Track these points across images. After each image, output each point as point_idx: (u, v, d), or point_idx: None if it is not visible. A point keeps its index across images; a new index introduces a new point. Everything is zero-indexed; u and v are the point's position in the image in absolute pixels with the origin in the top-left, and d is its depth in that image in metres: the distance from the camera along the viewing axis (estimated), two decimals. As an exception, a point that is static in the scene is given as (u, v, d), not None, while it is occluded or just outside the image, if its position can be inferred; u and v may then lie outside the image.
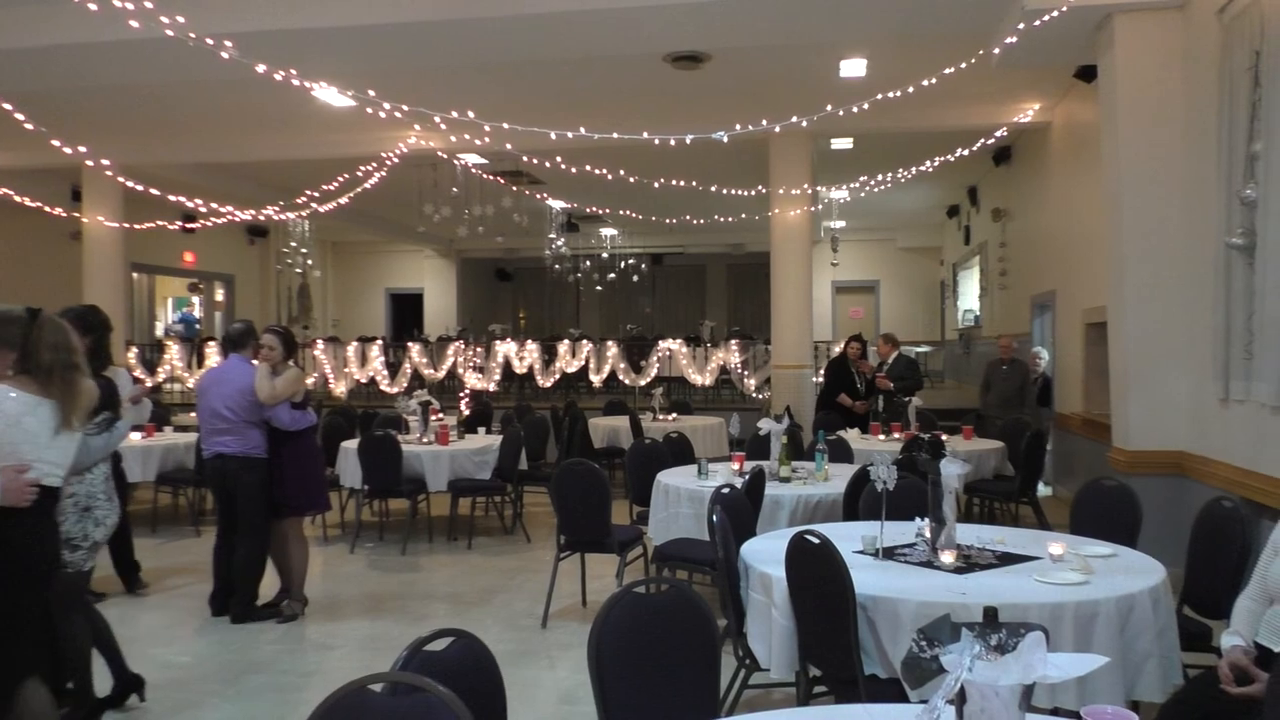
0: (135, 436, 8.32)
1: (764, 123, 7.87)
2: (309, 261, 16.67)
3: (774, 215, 11.28)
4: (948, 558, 3.67)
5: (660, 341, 13.27)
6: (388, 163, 10.95)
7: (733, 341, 13.26)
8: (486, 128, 6.81)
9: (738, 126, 7.96)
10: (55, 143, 8.61)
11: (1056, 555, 3.73)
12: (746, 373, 12.81)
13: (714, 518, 4.10)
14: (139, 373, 12.74)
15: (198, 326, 18.78)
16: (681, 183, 10.50)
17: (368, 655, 5.46)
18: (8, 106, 7.41)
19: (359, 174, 11.25)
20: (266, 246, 19.15)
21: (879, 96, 7.76)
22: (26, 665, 3.44)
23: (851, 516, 5.11)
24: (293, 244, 16.05)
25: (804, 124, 7.79)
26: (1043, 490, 9.36)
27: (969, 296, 16.93)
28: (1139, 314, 6.48)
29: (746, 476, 5.51)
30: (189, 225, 14.08)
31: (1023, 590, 3.38)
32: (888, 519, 3.97)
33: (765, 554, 3.91)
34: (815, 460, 6.24)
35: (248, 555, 6.04)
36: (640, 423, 10.54)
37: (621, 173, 10.12)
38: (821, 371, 11.37)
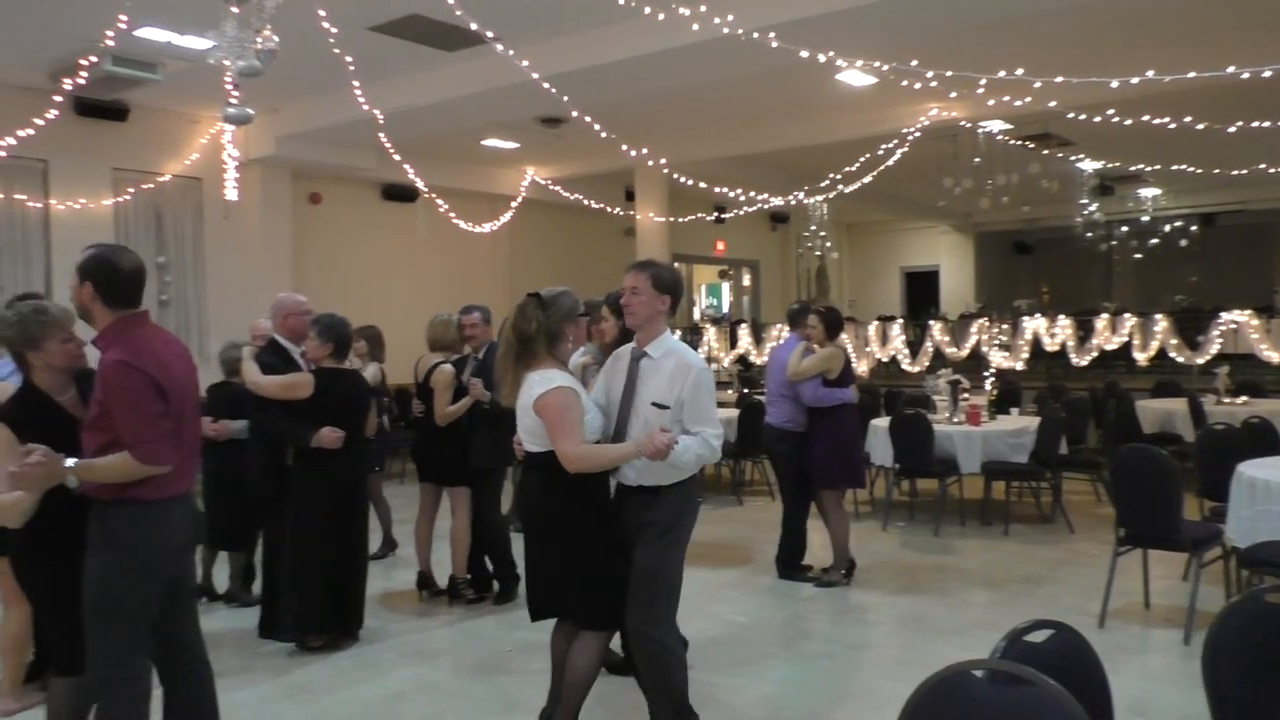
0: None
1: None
2: (828, 244, 17.09)
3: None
4: None
5: (1221, 313, 11.53)
6: (909, 138, 10.79)
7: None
8: (1037, 84, 6.35)
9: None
10: (625, 147, 9.72)
11: None
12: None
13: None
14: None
15: (726, 310, 20.24)
16: (1267, 124, 8.82)
17: (910, 634, 5.42)
18: (588, 119, 8.53)
19: (879, 153, 11.23)
20: (787, 232, 20.01)
21: None
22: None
23: None
24: (812, 228, 16.54)
25: None
26: None
27: None
28: None
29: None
30: (721, 216, 15.18)
31: None
32: None
33: None
34: None
35: (784, 520, 6.46)
36: (1202, 406, 9.26)
37: (1189, 119, 8.77)
38: None
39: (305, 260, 12.01)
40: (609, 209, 13.90)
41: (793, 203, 13.28)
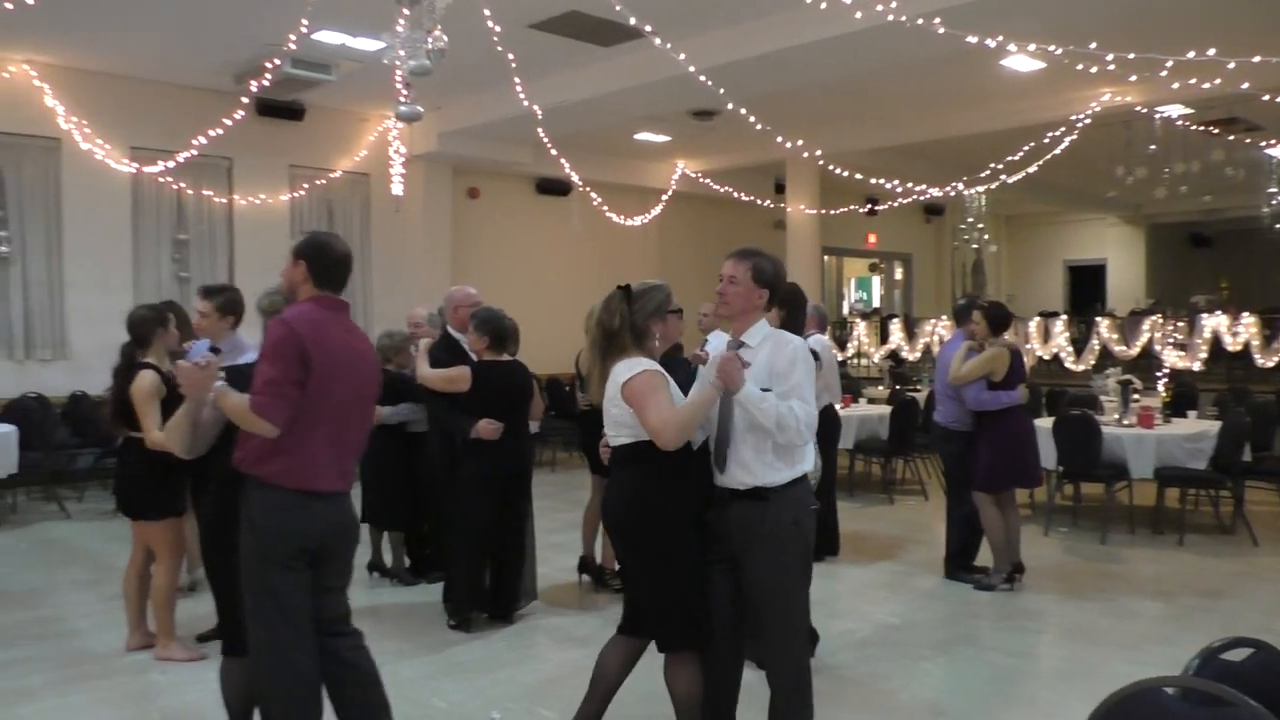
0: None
1: None
2: (985, 237, 16.48)
3: None
4: None
5: None
6: (1078, 125, 10.27)
7: None
8: (1230, 64, 5.91)
9: None
10: (780, 139, 9.63)
11: None
12: None
13: None
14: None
15: (876, 304, 19.80)
16: None
17: (1075, 644, 5.18)
18: (743, 111, 8.49)
19: (1045, 141, 10.74)
20: (942, 224, 19.41)
21: None
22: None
23: None
24: (969, 220, 15.98)
25: None
26: None
27: None
28: None
29: None
30: (874, 208, 14.86)
31: None
32: None
33: None
34: None
35: (950, 519, 6.37)
36: None
37: None
38: None
39: (463, 253, 12.41)
40: (759, 201, 13.80)
41: (951, 194, 12.84)
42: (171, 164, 9.47)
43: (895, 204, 13.58)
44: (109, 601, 5.81)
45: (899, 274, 19.90)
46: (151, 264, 10.13)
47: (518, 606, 5.46)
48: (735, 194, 13.58)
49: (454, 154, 11.65)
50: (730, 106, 8.56)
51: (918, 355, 14.04)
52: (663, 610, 3.28)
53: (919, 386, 11.65)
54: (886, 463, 9.48)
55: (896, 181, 12.04)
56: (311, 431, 3.12)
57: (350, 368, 3.23)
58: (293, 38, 6.90)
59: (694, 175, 14.23)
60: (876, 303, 20.40)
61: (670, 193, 14.30)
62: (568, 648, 5.06)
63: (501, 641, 5.14)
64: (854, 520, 8.08)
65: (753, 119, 8.62)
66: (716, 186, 13.74)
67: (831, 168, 11.29)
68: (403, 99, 5.85)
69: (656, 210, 14.08)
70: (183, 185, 10.08)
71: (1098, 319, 12.72)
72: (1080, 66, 6.81)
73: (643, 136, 12.51)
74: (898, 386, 11.95)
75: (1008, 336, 6.12)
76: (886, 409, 9.40)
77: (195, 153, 9.12)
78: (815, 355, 5.03)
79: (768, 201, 13.96)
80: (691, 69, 7.66)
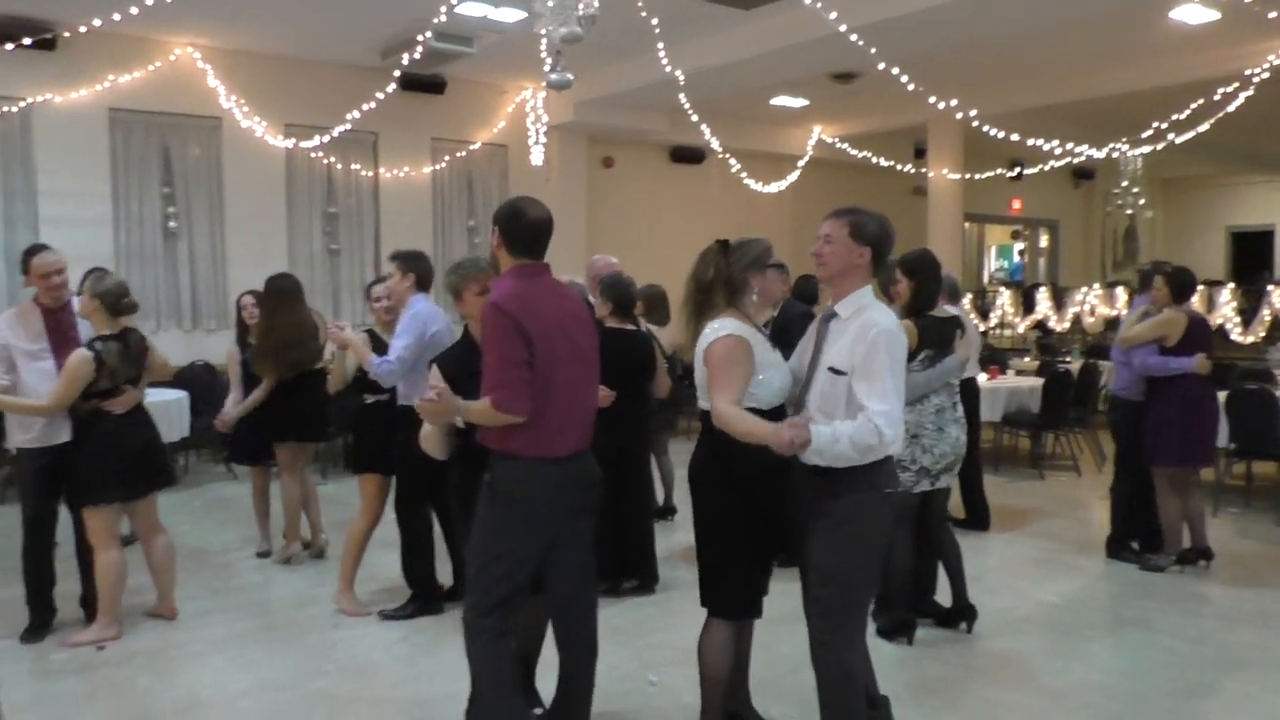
0: (981, 378, 8.63)
1: None
2: (1140, 202, 15.59)
3: None
4: None
5: None
6: (1254, 80, 9.56)
7: None
8: None
9: None
10: (932, 100, 9.29)
11: None
12: None
13: None
14: (974, 317, 13.33)
15: (1018, 276, 19.03)
16: None
17: (1254, 631, 4.87)
18: (895, 71, 8.21)
19: (1216, 98, 10.04)
20: (1092, 189, 18.47)
21: None
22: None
23: None
24: (1124, 184, 15.13)
25: None
26: None
27: None
28: None
29: None
30: (1022, 172, 14.24)
31: None
32: None
33: None
34: None
35: (1115, 495, 6.12)
36: None
37: None
38: None
39: (598, 222, 12.47)
40: (898, 167, 13.41)
41: (1115, 155, 12.16)
42: (327, 139, 9.80)
43: (1047, 167, 12.97)
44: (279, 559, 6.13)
45: (1044, 241, 19.07)
46: (304, 236, 10.55)
47: (655, 576, 5.42)
48: (874, 159, 13.21)
49: (590, 123, 11.69)
50: (881, 66, 8.25)
51: (1066, 325, 13.44)
52: (708, 572, 3.28)
53: (1068, 359, 11.15)
54: (1037, 437, 9.11)
55: (1056, 141, 11.39)
56: (549, 402, 3.10)
57: (563, 329, 3.18)
58: (444, 11, 7.00)
59: (830, 141, 13.91)
60: (1018, 271, 19.60)
61: (806, 159, 14.02)
62: (717, 616, 5.05)
63: (651, 607, 5.18)
64: (1002, 495, 7.80)
65: (906, 79, 8.31)
66: (854, 151, 13.39)
67: (987, 129, 10.72)
68: (553, 67, 5.88)
69: (793, 176, 13.83)
70: (332, 160, 10.43)
71: (1269, 287, 11.89)
72: (1274, 14, 6.28)
73: (779, 101, 12.29)
74: (1045, 358, 11.48)
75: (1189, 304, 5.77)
76: (1036, 381, 9.03)
77: (350, 127, 9.42)
78: (960, 326, 4.87)
79: (908, 166, 13.53)
80: (843, 28, 7.42)
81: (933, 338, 4.53)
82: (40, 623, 4.82)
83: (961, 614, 4.78)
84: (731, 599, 3.28)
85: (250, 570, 5.94)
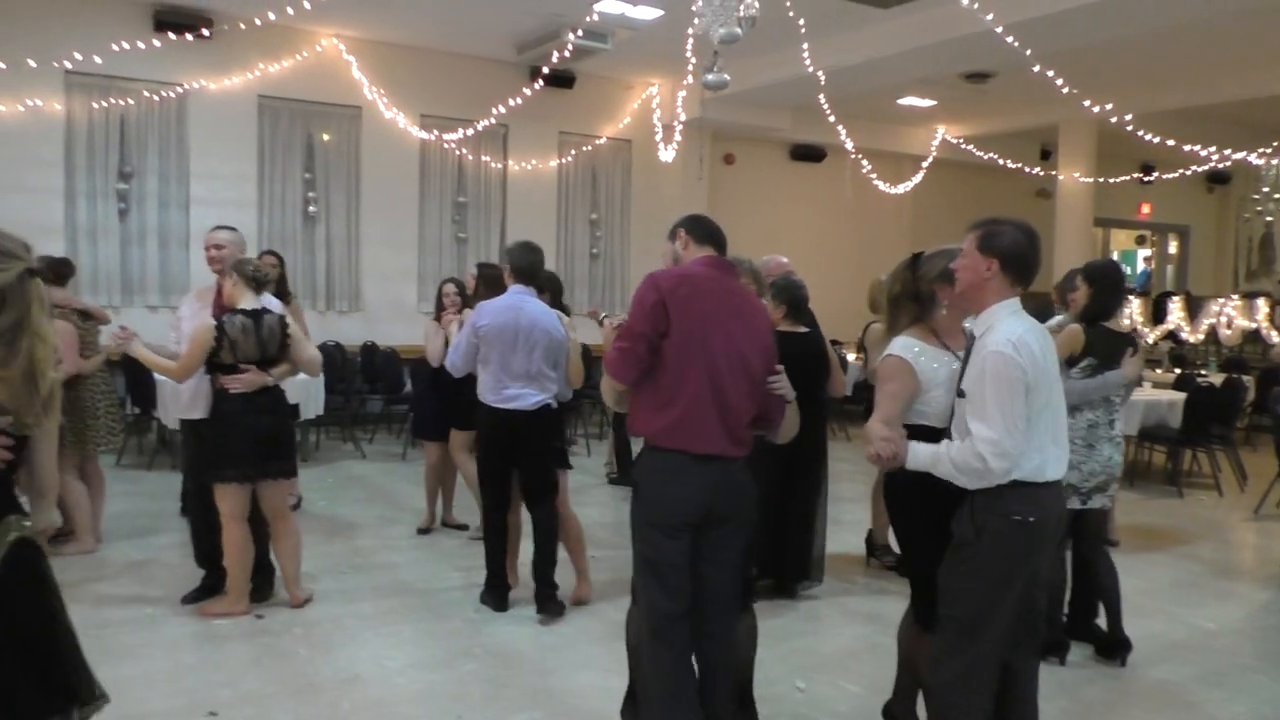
0: (1118, 390, 8.39)
1: None
2: (1281, 209, 14.91)
3: None
4: None
5: None
6: None
7: None
8: None
9: None
10: (1087, 103, 9.02)
11: None
12: None
13: None
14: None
15: (1142, 283, 18.35)
16: None
17: None
18: (1050, 73, 8.00)
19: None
20: (1227, 194, 17.70)
21: None
22: None
23: None
24: (1265, 189, 14.49)
25: None
26: None
27: None
28: None
29: None
30: (1155, 176, 13.73)
31: None
32: None
33: None
34: None
35: None
36: None
37: None
38: None
39: (718, 219, 12.37)
40: (1025, 169, 13.06)
41: (1268, 156, 11.59)
42: (470, 132, 10.03)
43: (1187, 172, 12.47)
44: (414, 538, 6.31)
45: (1172, 247, 18.34)
46: (434, 224, 10.81)
47: (805, 584, 5.39)
48: (999, 160, 12.90)
49: (714, 120, 11.67)
50: (1037, 68, 8.02)
51: (1200, 337, 12.90)
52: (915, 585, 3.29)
53: (1204, 371, 10.71)
54: (1176, 453, 8.78)
55: (1211, 148, 10.89)
56: (683, 386, 3.03)
57: (725, 326, 3.10)
58: (593, 8, 7.08)
59: (955, 141, 13.63)
60: (1144, 279, 18.89)
61: (930, 159, 13.77)
62: (859, 622, 5.02)
63: (793, 611, 5.16)
64: (1138, 513, 7.56)
65: (1061, 82, 8.07)
66: (979, 153, 13.10)
67: (1138, 131, 10.27)
68: (710, 67, 5.90)
69: (918, 178, 13.59)
70: (464, 151, 10.66)
71: None
72: None
73: (907, 101, 12.10)
74: (1178, 370, 11.05)
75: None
76: (1175, 395, 8.71)
77: (492, 121, 9.62)
78: (1133, 344, 4.71)
79: (1036, 169, 13.18)
80: (999, 29, 7.26)
81: (1099, 349, 4.41)
82: (207, 586, 5.01)
83: (1116, 647, 4.59)
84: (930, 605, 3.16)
85: (390, 549, 6.12)
